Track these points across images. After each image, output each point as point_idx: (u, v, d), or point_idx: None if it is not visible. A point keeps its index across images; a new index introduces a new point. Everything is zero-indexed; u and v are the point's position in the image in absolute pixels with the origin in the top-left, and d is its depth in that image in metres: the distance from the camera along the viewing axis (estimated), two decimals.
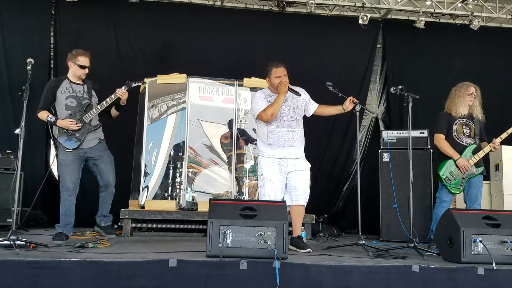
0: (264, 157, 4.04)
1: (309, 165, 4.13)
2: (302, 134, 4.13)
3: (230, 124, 6.12)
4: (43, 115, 4.16)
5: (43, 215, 5.90)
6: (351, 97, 4.11)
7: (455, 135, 4.64)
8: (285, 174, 4.00)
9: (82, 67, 4.19)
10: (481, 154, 4.54)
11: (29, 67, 3.69)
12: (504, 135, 4.52)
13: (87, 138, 4.17)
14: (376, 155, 6.04)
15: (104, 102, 4.17)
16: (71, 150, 4.12)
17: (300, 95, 4.05)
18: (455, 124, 4.65)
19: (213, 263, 2.98)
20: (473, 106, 4.69)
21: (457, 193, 4.61)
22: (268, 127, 4.02)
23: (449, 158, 4.60)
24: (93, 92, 4.29)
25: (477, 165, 4.56)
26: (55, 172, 6.72)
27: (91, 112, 4.14)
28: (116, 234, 4.22)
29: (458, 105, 4.66)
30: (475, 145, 4.60)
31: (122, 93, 4.13)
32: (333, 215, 7.01)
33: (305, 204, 4.04)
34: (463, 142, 4.62)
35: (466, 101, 4.66)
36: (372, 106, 7.58)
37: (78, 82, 4.26)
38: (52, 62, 6.80)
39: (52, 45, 6.80)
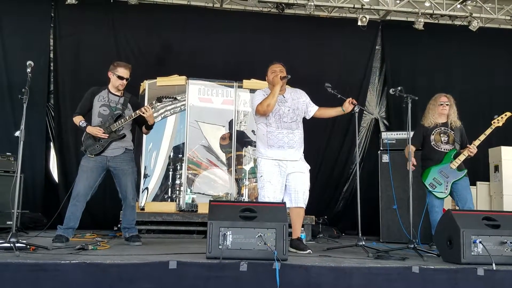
0: (263, 158, 4.03)
1: (309, 167, 4.13)
2: (301, 136, 4.13)
3: (231, 124, 6.13)
4: (77, 120, 4.25)
5: (43, 217, 5.90)
6: (350, 98, 4.12)
7: (433, 144, 4.74)
8: (284, 176, 3.99)
9: (120, 77, 4.26)
10: (461, 157, 4.60)
11: (28, 70, 3.70)
12: (482, 137, 4.54)
13: (110, 147, 4.23)
14: (375, 156, 6.05)
15: (133, 114, 4.26)
16: (93, 156, 4.19)
17: (289, 77, 4.04)
18: (433, 134, 4.75)
19: (213, 265, 2.98)
20: (449, 115, 4.78)
21: (444, 197, 4.65)
22: (268, 128, 4.02)
23: (431, 166, 4.67)
24: (129, 105, 4.38)
25: (459, 168, 4.61)
26: (55, 175, 6.75)
27: (119, 122, 4.22)
28: (138, 241, 4.24)
29: (430, 116, 4.79)
30: (455, 150, 4.67)
31: (144, 109, 4.19)
32: (333, 216, 7.01)
33: (304, 206, 4.03)
34: (441, 149, 4.71)
35: (439, 111, 4.77)
36: (371, 107, 7.59)
37: (116, 93, 4.35)
38: (52, 64, 6.81)
39: (51, 48, 6.82)
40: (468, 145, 4.60)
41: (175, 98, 4.65)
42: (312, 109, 4.21)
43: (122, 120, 4.23)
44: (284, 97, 4.09)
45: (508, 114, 4.61)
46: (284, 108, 4.04)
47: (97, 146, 4.20)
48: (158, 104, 4.37)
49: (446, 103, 4.76)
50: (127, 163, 4.30)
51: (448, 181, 4.59)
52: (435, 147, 4.72)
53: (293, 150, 4.01)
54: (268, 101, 3.93)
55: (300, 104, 4.14)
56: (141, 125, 4.46)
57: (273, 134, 3.99)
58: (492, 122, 4.58)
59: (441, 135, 4.73)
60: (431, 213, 4.67)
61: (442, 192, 4.61)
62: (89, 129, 4.19)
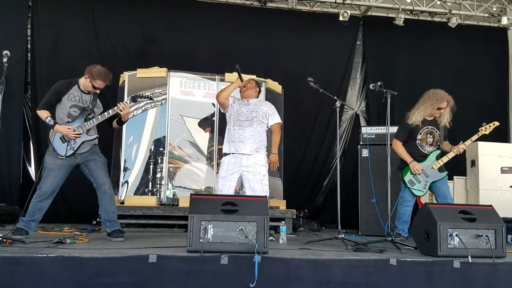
0: (224, 155, 4.32)
1: (266, 159, 4.31)
2: (253, 133, 4.27)
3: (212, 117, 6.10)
4: (43, 114, 4.02)
5: (20, 210, 5.78)
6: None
7: (418, 143, 4.67)
8: (238, 170, 4.21)
9: (95, 88, 4.04)
10: (444, 159, 4.62)
11: (5, 60, 3.62)
12: (468, 142, 4.57)
13: (81, 147, 4.05)
14: (356, 151, 6.11)
15: (105, 114, 4.06)
16: (63, 157, 3.99)
17: (237, 66, 4.28)
18: (420, 133, 4.65)
19: (193, 258, 2.97)
20: (442, 115, 4.62)
21: (421, 196, 4.68)
22: (228, 126, 4.38)
23: None
24: (98, 101, 4.15)
25: (440, 170, 4.63)
26: (32, 167, 6.62)
27: (90, 122, 4.03)
28: (121, 236, 4.07)
29: (421, 114, 4.61)
30: (438, 151, 4.67)
31: (122, 107, 4.02)
32: (314, 210, 7.07)
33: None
34: (425, 150, 4.66)
35: (433, 113, 4.61)
36: (352, 102, 7.65)
37: (87, 91, 4.11)
38: (29, 54, 6.66)
39: (29, 38, 6.66)
40: (459, 145, 4.54)
41: (151, 98, 4.51)
42: (269, 122, 4.39)
43: (94, 120, 4.05)
44: (248, 102, 4.39)
45: (496, 123, 4.60)
46: (244, 109, 4.34)
47: (68, 148, 3.99)
48: (133, 103, 4.24)
49: (444, 108, 4.58)
50: (95, 154, 4.14)
51: (427, 180, 4.61)
52: (419, 147, 4.66)
53: (242, 144, 4.25)
54: (223, 90, 4.36)
55: (260, 110, 4.38)
56: (110, 120, 4.24)
57: (230, 131, 4.33)
58: (480, 129, 4.58)
59: (428, 135, 4.66)
60: (401, 206, 4.68)
61: (420, 190, 4.63)
62: (58, 128, 3.96)
